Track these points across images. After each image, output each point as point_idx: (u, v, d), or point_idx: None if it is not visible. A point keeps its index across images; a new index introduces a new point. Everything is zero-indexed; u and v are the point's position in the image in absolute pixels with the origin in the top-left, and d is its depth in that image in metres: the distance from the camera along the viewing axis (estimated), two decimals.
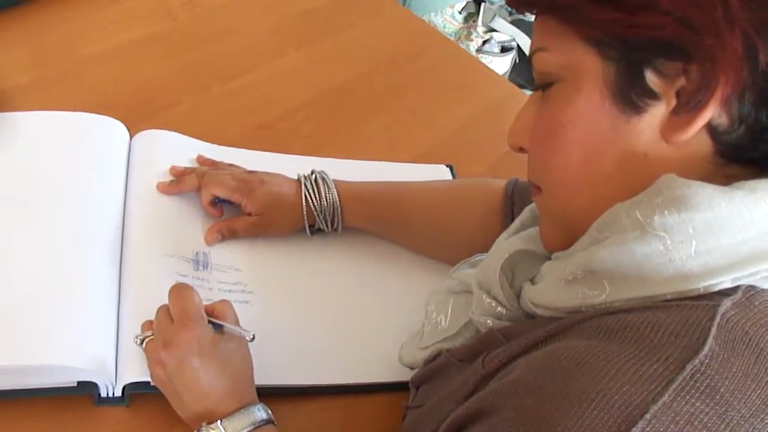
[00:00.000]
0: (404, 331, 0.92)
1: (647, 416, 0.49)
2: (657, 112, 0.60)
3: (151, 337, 0.81)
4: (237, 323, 0.83)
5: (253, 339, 0.82)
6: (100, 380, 0.82)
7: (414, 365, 0.86)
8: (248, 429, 0.76)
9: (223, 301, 0.85)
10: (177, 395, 0.79)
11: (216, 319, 0.82)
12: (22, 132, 1.03)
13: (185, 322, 0.79)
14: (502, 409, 0.56)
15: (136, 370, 0.83)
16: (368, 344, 0.95)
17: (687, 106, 0.58)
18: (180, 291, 0.82)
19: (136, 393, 0.84)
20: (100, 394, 0.83)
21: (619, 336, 0.55)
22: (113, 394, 0.83)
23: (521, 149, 0.71)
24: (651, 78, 0.59)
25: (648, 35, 0.58)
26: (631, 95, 0.60)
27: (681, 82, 0.58)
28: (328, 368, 0.91)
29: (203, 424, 0.76)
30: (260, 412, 0.78)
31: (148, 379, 0.82)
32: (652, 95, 0.59)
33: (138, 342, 0.83)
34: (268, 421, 0.78)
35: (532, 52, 0.67)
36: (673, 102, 0.59)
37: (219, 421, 0.75)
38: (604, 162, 0.63)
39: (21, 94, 1.14)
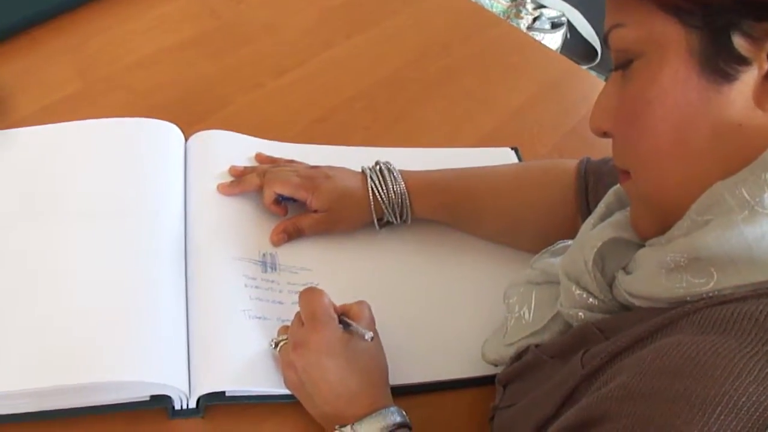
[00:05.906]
0: (484, 325, 0.89)
1: None
2: (749, 79, 0.56)
3: (285, 341, 0.82)
4: (372, 323, 0.83)
5: (372, 339, 0.81)
6: (173, 393, 0.80)
7: (498, 362, 0.84)
8: None
9: (360, 302, 0.84)
10: (309, 397, 0.79)
11: (350, 319, 0.82)
12: (78, 142, 1.01)
13: (314, 324, 0.79)
14: (615, 416, 0.53)
15: (210, 381, 0.81)
16: (447, 340, 0.92)
17: None
18: (309, 294, 0.82)
19: (211, 404, 0.82)
20: (174, 407, 0.81)
21: (736, 329, 0.51)
22: (188, 406, 0.81)
23: (605, 134, 0.67)
24: (739, 42, 0.56)
25: None
26: (719, 63, 0.57)
27: None
28: (406, 367, 0.88)
29: (336, 426, 0.76)
30: (394, 416, 0.76)
31: (223, 389, 0.81)
32: (742, 61, 0.56)
33: (273, 346, 0.84)
34: (403, 425, 0.76)
35: (608, 30, 0.64)
36: (766, 66, 0.56)
37: (350, 426, 0.75)
38: (697, 137, 0.59)
39: (69, 104, 1.13)
